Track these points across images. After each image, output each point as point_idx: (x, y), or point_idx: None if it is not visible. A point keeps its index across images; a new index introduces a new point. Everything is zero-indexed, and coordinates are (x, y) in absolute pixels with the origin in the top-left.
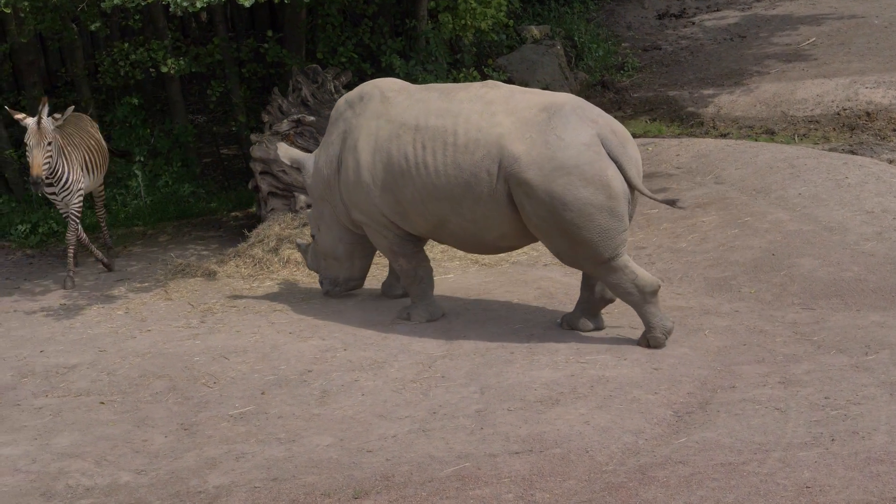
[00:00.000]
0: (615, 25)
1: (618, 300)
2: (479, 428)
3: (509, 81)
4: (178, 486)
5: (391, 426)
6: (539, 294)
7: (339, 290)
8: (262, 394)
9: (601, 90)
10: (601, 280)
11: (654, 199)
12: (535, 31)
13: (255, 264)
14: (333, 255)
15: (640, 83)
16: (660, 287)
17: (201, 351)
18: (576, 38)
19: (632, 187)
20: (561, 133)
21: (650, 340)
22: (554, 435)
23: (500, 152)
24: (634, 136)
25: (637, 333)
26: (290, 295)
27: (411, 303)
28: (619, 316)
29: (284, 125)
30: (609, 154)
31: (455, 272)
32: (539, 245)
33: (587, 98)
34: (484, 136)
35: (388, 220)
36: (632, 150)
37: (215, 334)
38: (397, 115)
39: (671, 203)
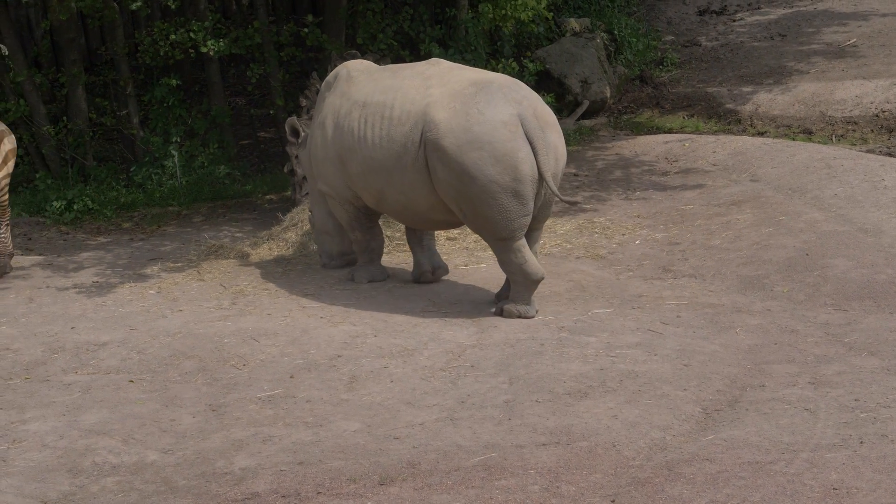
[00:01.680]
0: (655, 20)
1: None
2: (506, 418)
3: (548, 73)
4: (204, 466)
5: (419, 414)
6: (571, 286)
7: (335, 264)
8: (291, 377)
9: (640, 84)
10: (494, 252)
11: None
12: (574, 23)
13: (289, 248)
14: (325, 229)
15: (679, 79)
16: (542, 279)
17: (232, 332)
18: (616, 32)
19: (541, 174)
20: (483, 108)
21: (504, 311)
22: (581, 428)
23: (423, 119)
24: (671, 131)
25: (669, 330)
26: (322, 279)
27: (357, 266)
28: (650, 311)
29: None
30: (526, 135)
31: (488, 262)
32: (572, 237)
33: (625, 92)
34: (415, 108)
35: (349, 192)
36: (552, 136)
37: (246, 316)
38: (354, 94)
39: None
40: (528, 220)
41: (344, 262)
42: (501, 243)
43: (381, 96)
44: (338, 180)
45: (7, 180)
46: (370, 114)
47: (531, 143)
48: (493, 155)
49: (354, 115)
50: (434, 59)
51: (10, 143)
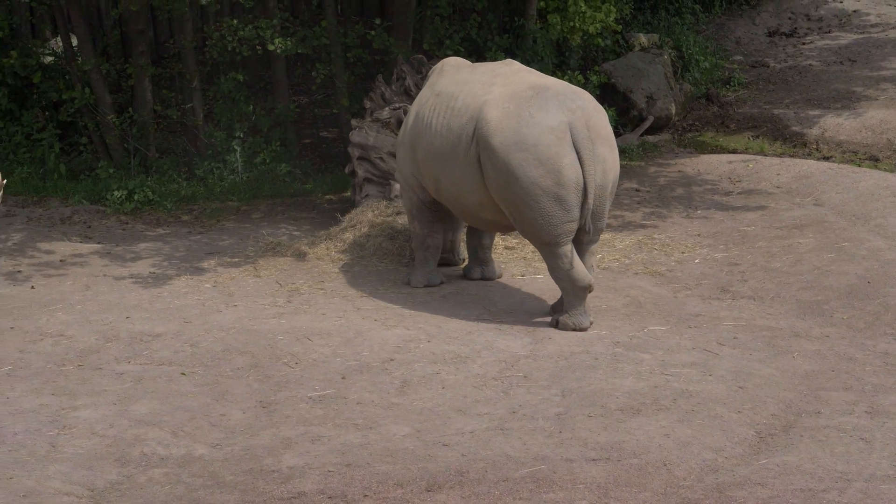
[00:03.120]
0: (724, 40)
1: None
2: (557, 431)
3: (613, 87)
4: (252, 463)
5: (469, 422)
6: (627, 302)
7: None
8: (343, 378)
9: (705, 103)
10: (543, 259)
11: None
12: (642, 38)
13: (346, 249)
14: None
15: (746, 99)
16: (590, 286)
17: (285, 330)
18: (683, 50)
19: (585, 184)
20: (534, 111)
21: (559, 323)
22: (633, 445)
23: (478, 115)
24: (735, 151)
25: (725, 350)
26: (378, 282)
27: (414, 267)
28: (707, 331)
29: (385, 112)
30: (574, 144)
31: (545, 273)
32: (630, 253)
33: (690, 110)
34: (474, 103)
35: (415, 180)
36: (601, 148)
37: (300, 315)
38: (437, 85)
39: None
40: (574, 226)
41: (441, 261)
42: (546, 248)
43: (452, 88)
44: (406, 166)
45: None
46: (439, 103)
47: (578, 153)
48: (537, 157)
49: (429, 104)
50: (508, 61)
51: None
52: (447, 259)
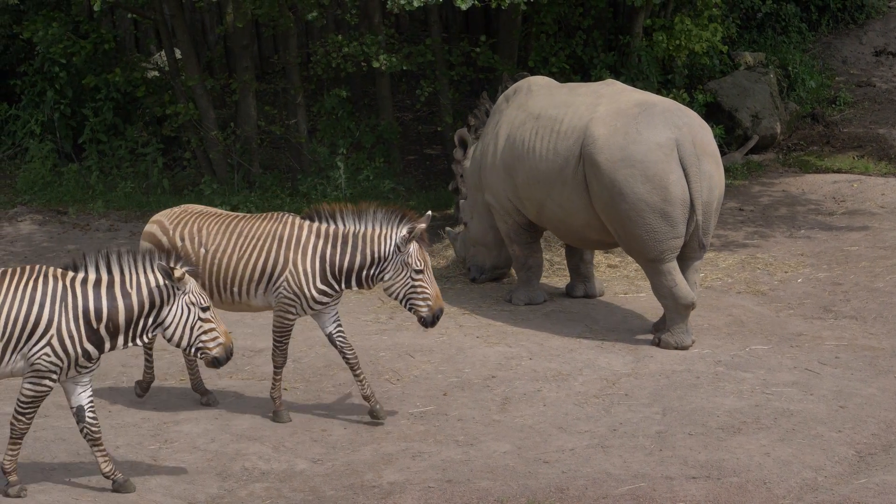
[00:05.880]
0: (830, 59)
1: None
2: (657, 449)
3: (718, 106)
4: (352, 478)
5: (570, 439)
6: (729, 321)
7: (484, 278)
8: (444, 395)
9: (810, 122)
10: (647, 276)
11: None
12: (748, 57)
13: (449, 265)
14: (483, 242)
15: (851, 119)
16: (693, 304)
17: (387, 347)
18: (789, 68)
19: (692, 200)
20: (641, 128)
21: (661, 341)
22: (733, 463)
23: (584, 133)
24: (839, 171)
25: (826, 370)
26: (479, 299)
27: (516, 286)
28: (808, 350)
29: None
30: (680, 160)
31: (647, 291)
32: (733, 272)
33: (795, 129)
34: (580, 123)
35: (511, 204)
36: (707, 165)
37: (403, 332)
38: (531, 106)
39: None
40: (679, 243)
41: (494, 276)
42: (651, 265)
43: (555, 111)
44: (501, 190)
45: None
46: (541, 126)
47: (684, 169)
48: (643, 174)
49: (527, 127)
50: (609, 81)
51: None
52: None
